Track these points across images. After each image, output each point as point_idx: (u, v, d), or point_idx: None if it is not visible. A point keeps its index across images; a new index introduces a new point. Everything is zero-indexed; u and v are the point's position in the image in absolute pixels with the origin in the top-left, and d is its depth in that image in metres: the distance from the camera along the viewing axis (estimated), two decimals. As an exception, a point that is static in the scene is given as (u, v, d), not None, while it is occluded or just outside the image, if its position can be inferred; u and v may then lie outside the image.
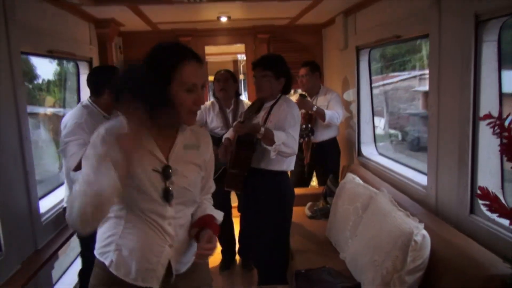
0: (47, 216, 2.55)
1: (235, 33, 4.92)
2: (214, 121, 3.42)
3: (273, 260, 2.69)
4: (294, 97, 3.96)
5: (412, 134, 4.56)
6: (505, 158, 1.34)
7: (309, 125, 3.60)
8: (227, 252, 3.72)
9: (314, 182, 4.52)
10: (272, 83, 2.61)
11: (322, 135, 3.78)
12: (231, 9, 3.78)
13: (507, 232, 1.79)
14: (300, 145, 3.57)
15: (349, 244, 2.54)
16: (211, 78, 5.67)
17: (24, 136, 2.24)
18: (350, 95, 4.02)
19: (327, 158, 3.91)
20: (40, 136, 3.96)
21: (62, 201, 2.68)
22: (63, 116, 2.60)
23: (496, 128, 1.30)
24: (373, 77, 3.85)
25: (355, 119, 3.86)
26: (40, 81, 4.32)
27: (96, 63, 3.69)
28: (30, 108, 4.33)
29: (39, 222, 2.40)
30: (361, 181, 2.99)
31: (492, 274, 1.56)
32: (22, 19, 2.33)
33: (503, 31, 1.94)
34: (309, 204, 3.63)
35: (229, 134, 2.84)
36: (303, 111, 3.65)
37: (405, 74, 5.13)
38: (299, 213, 3.55)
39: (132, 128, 1.29)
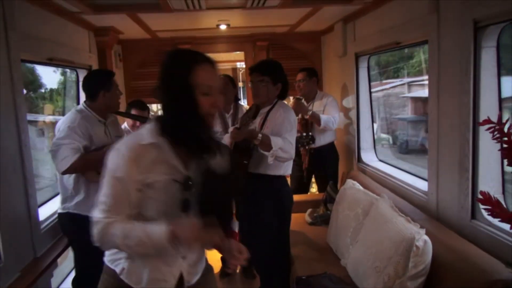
0: (46, 223, 2.54)
1: (234, 40, 4.94)
2: None
3: (275, 265, 2.68)
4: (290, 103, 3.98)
5: (401, 138, 4.65)
6: (505, 163, 1.34)
7: (310, 133, 3.60)
8: (227, 259, 3.69)
9: (314, 188, 4.51)
10: (269, 89, 2.61)
11: (320, 140, 3.78)
12: (231, 17, 3.80)
13: (509, 237, 1.79)
14: (298, 150, 3.57)
15: (350, 250, 2.53)
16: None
17: (23, 143, 2.24)
18: (349, 101, 4.02)
19: (326, 163, 3.91)
20: (45, 142, 3.99)
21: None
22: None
23: (495, 133, 1.31)
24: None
25: (355, 126, 3.86)
26: (43, 90, 4.40)
27: (95, 71, 3.70)
28: (33, 116, 4.40)
29: (38, 230, 2.39)
30: (361, 187, 2.98)
31: (494, 279, 1.55)
32: (22, 27, 2.34)
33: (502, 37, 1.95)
34: (309, 210, 3.62)
35: (226, 140, 2.84)
36: (299, 116, 3.66)
37: (397, 81, 5.23)
38: (300, 220, 3.54)
39: (199, 230, 1.28)
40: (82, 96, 3.49)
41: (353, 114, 3.92)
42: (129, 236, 1.28)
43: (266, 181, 2.63)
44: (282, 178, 2.72)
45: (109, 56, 4.06)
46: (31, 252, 2.31)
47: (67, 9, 2.91)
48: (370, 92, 3.80)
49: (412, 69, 5.30)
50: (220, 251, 1.45)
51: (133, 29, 3.94)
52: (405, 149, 4.46)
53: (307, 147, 3.68)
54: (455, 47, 2.12)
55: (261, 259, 2.71)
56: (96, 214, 1.34)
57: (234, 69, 8.55)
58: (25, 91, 4.42)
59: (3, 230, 2.00)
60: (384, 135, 5.27)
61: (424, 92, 5.57)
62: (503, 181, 2.01)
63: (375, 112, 4.84)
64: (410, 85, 5.55)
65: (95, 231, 1.33)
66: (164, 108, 1.38)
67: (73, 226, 2.48)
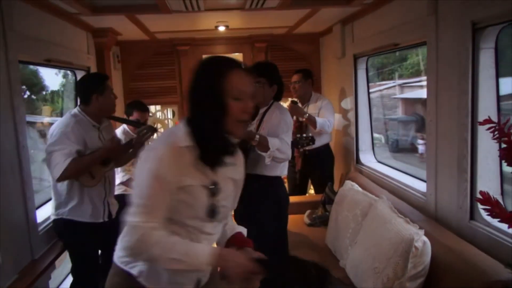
0: (44, 225, 2.53)
1: (233, 42, 4.95)
2: None
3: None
4: (285, 104, 3.97)
5: (392, 137, 4.75)
6: (504, 163, 1.35)
7: (310, 134, 3.60)
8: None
9: (312, 190, 4.51)
10: (265, 90, 2.62)
11: (315, 142, 3.78)
12: (229, 18, 3.80)
13: (508, 237, 1.79)
14: (292, 152, 3.58)
15: (349, 251, 2.52)
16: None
17: (21, 145, 2.23)
18: (347, 103, 4.03)
19: (321, 165, 3.91)
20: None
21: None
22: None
23: (495, 133, 1.31)
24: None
25: (353, 127, 3.87)
26: (44, 92, 4.46)
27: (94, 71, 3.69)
28: (34, 118, 4.42)
29: (36, 232, 2.38)
30: (360, 189, 2.98)
31: (493, 280, 1.55)
32: (20, 28, 2.34)
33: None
34: (308, 212, 3.62)
35: None
36: (294, 118, 3.65)
37: (390, 83, 5.33)
38: (298, 221, 3.53)
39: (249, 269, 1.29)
40: (80, 98, 3.50)
41: (351, 115, 3.93)
42: (170, 251, 1.24)
43: (263, 182, 2.63)
44: (279, 179, 2.73)
45: (108, 57, 4.06)
46: (28, 254, 2.30)
47: (65, 10, 2.91)
48: (369, 94, 3.80)
49: (405, 71, 5.41)
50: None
51: (132, 30, 3.94)
52: (395, 148, 4.57)
53: (307, 148, 3.67)
54: (453, 49, 2.12)
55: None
56: (133, 218, 1.27)
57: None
58: (28, 93, 4.54)
59: (1, 232, 1.99)
60: (377, 135, 5.36)
61: (414, 94, 5.76)
62: (502, 181, 2.01)
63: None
64: (402, 86, 5.70)
65: (134, 237, 1.26)
66: (193, 112, 1.35)
67: (68, 232, 2.47)
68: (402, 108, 5.82)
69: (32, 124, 4.28)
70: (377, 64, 4.56)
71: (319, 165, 3.90)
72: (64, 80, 4.15)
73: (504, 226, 1.75)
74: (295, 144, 3.22)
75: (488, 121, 1.31)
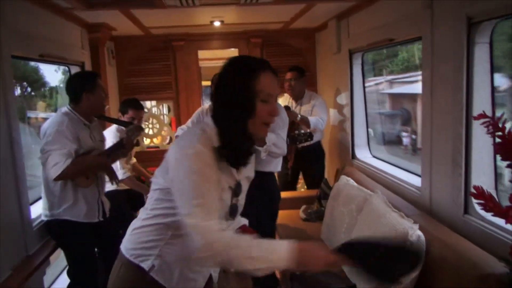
0: (38, 221, 2.51)
1: (228, 37, 4.93)
2: None
3: None
4: (281, 100, 3.98)
5: (379, 130, 4.89)
6: (499, 158, 1.35)
7: (308, 130, 3.59)
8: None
9: (299, 184, 4.52)
10: None
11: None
12: (224, 13, 3.78)
13: (501, 231, 1.80)
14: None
15: (344, 246, 2.53)
16: (205, 83, 5.68)
17: (14, 141, 2.21)
18: (343, 98, 4.03)
19: (315, 162, 3.94)
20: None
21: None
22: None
23: (490, 127, 1.31)
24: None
25: (349, 122, 3.87)
26: (43, 89, 4.52)
27: (88, 67, 3.66)
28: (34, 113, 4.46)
29: (30, 228, 2.36)
30: (355, 184, 2.99)
31: (487, 273, 1.56)
32: (13, 23, 2.31)
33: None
34: (303, 207, 3.62)
35: None
36: None
37: (380, 79, 5.47)
38: (294, 216, 3.54)
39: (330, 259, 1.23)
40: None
41: (347, 111, 3.93)
42: (248, 250, 1.19)
43: (257, 177, 2.63)
44: (272, 175, 2.75)
45: (102, 52, 4.02)
46: (23, 250, 2.29)
47: (59, 5, 2.88)
48: (364, 89, 3.80)
49: (395, 67, 5.56)
50: None
51: (126, 25, 3.91)
52: (382, 140, 4.70)
53: (305, 144, 3.67)
54: (448, 43, 2.13)
55: None
56: (192, 220, 1.21)
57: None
58: (29, 89, 4.64)
59: (-5, 227, 1.98)
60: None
61: (402, 89, 5.96)
62: (496, 176, 2.02)
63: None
64: (391, 82, 5.84)
65: (199, 239, 1.19)
66: (221, 112, 1.34)
67: (64, 232, 2.45)
68: (389, 103, 6.01)
69: (30, 119, 4.32)
70: (370, 60, 4.65)
71: (311, 162, 3.92)
72: (63, 76, 4.16)
73: (497, 220, 1.77)
74: (293, 141, 3.23)
75: (482, 115, 1.32)
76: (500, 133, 1.30)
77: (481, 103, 1.99)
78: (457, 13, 2.01)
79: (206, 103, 3.75)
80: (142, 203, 3.51)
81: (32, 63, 4.16)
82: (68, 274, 2.58)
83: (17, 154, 2.23)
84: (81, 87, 2.43)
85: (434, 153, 2.32)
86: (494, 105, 2.01)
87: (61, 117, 2.38)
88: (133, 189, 3.45)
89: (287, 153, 3.79)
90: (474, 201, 1.81)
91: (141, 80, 4.79)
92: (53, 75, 4.43)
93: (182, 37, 4.72)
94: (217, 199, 1.29)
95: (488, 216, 1.80)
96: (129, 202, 3.45)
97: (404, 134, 5.41)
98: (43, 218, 2.48)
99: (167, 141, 5.16)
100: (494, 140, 1.34)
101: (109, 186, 3.35)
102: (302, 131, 3.52)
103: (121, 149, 2.62)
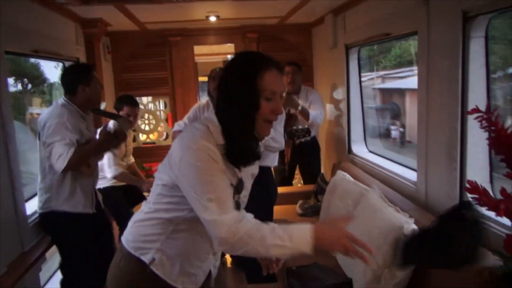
0: (34, 217, 2.50)
1: (224, 32, 4.92)
2: None
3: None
4: None
5: (370, 124, 5.01)
6: (493, 152, 1.35)
7: (306, 126, 3.59)
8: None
9: (296, 180, 4.53)
10: None
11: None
12: (220, 8, 3.77)
13: (495, 225, 1.81)
14: None
15: (340, 241, 2.54)
16: (202, 78, 5.67)
17: (9, 136, 2.19)
18: (339, 93, 4.03)
19: (311, 157, 3.95)
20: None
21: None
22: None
23: (483, 122, 1.31)
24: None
25: (345, 117, 3.87)
26: (41, 85, 4.58)
27: (83, 63, 3.64)
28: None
29: (25, 224, 2.35)
30: (351, 179, 2.99)
31: (481, 267, 1.56)
32: (6, 18, 2.29)
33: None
34: (300, 202, 3.63)
35: None
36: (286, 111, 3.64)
37: (373, 74, 5.59)
38: (290, 211, 3.55)
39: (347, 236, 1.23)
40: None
41: (343, 105, 3.93)
42: (271, 237, 1.21)
43: None
44: (269, 169, 2.75)
45: (97, 48, 4.00)
46: (18, 246, 2.28)
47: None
48: (361, 84, 3.80)
49: (388, 62, 5.64)
50: None
51: (122, 21, 3.89)
52: (372, 133, 4.83)
53: (303, 140, 3.66)
54: (444, 38, 2.12)
55: None
56: (209, 215, 1.23)
57: (225, 62, 8.53)
58: (30, 86, 4.77)
59: (-11, 224, 1.97)
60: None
61: (392, 84, 6.08)
62: (491, 170, 2.03)
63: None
64: (383, 77, 5.94)
65: (219, 233, 1.21)
66: (224, 109, 1.33)
67: (59, 224, 2.43)
68: (380, 98, 6.13)
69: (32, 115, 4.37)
70: (364, 56, 4.71)
71: (308, 157, 3.92)
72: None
73: (492, 214, 1.77)
74: (291, 136, 3.22)
75: (476, 110, 1.31)
76: (494, 128, 1.30)
77: (476, 97, 1.99)
78: (453, 7, 2.01)
79: (203, 99, 3.73)
80: (138, 199, 3.51)
81: (33, 60, 4.15)
82: (61, 269, 2.57)
83: (12, 150, 2.21)
84: (76, 79, 2.42)
85: (430, 148, 2.33)
86: (489, 99, 2.01)
87: (60, 108, 2.37)
88: (129, 184, 3.44)
89: (284, 148, 3.81)
90: (469, 195, 1.81)
91: (137, 76, 4.77)
92: (52, 71, 4.45)
93: (178, 32, 4.71)
94: (228, 189, 1.29)
95: (483, 210, 1.80)
96: (125, 198, 3.44)
97: (392, 127, 5.53)
98: (38, 211, 2.46)
99: (164, 137, 5.15)
100: (489, 134, 1.34)
101: (105, 183, 3.34)
102: (300, 127, 3.52)
103: (114, 139, 2.60)
